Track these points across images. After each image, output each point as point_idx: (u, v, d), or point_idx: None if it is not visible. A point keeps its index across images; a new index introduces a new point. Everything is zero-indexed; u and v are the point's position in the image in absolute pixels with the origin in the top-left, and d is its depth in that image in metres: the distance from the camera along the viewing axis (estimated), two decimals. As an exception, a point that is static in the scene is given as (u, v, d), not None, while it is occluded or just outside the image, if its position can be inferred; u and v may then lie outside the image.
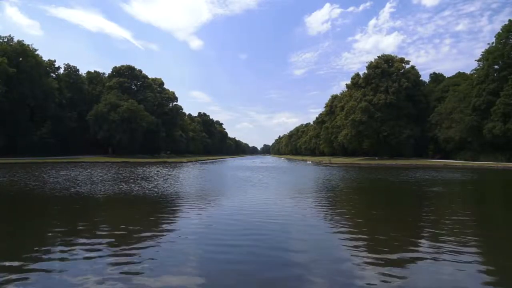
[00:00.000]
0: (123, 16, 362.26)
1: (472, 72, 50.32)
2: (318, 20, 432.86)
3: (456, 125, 47.94)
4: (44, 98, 54.95)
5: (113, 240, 6.11)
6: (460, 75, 59.27)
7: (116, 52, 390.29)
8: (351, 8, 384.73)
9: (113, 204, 10.91)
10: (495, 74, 43.81)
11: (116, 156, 62.62)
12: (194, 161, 58.65)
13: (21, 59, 52.03)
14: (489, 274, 4.53)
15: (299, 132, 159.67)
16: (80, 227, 7.20)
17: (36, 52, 55.53)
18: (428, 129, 56.60)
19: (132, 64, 77.36)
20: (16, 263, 4.80)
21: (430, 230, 7.05)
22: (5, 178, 18.95)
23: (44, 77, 56.49)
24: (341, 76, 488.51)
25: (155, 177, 20.29)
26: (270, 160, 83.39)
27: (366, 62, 64.81)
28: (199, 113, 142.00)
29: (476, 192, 15.61)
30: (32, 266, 4.69)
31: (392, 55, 64.65)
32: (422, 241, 6.25)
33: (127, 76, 75.80)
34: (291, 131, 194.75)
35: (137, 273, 4.40)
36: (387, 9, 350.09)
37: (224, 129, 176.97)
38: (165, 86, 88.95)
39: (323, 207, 10.27)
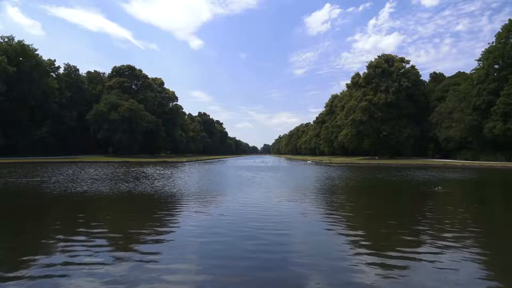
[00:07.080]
0: (123, 16, 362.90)
1: (472, 72, 50.31)
2: (318, 20, 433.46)
3: (456, 125, 47.95)
4: (44, 98, 54.92)
5: (113, 240, 6.12)
6: (460, 75, 59.26)
7: (116, 51, 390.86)
8: (351, 9, 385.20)
9: (114, 204, 10.89)
10: (495, 74, 43.82)
11: (116, 155, 62.62)
12: (194, 160, 58.62)
13: (21, 59, 52.00)
14: (490, 274, 4.53)
15: (299, 131, 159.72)
16: (79, 228, 7.17)
17: (36, 52, 55.50)
18: (428, 129, 56.61)
19: (132, 64, 77.59)
20: (15, 264, 4.79)
21: (431, 230, 7.03)
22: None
23: (44, 77, 56.40)
24: (341, 76, 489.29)
25: (156, 177, 20.29)
26: (270, 160, 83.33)
27: (366, 62, 64.95)
28: (199, 112, 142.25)
29: (476, 192, 15.61)
30: (31, 266, 4.68)
31: (392, 54, 64.72)
32: (423, 240, 6.23)
33: (127, 76, 75.81)
34: (291, 131, 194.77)
35: (136, 275, 4.39)
36: (387, 9, 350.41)
37: (224, 128, 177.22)
38: (165, 86, 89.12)
39: (324, 207, 10.25)
